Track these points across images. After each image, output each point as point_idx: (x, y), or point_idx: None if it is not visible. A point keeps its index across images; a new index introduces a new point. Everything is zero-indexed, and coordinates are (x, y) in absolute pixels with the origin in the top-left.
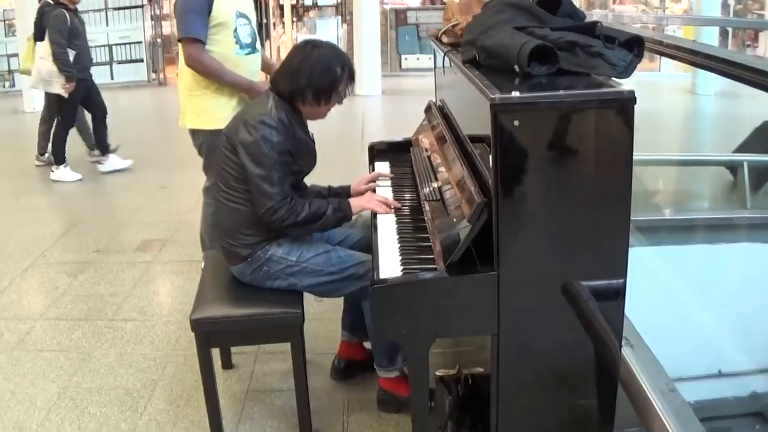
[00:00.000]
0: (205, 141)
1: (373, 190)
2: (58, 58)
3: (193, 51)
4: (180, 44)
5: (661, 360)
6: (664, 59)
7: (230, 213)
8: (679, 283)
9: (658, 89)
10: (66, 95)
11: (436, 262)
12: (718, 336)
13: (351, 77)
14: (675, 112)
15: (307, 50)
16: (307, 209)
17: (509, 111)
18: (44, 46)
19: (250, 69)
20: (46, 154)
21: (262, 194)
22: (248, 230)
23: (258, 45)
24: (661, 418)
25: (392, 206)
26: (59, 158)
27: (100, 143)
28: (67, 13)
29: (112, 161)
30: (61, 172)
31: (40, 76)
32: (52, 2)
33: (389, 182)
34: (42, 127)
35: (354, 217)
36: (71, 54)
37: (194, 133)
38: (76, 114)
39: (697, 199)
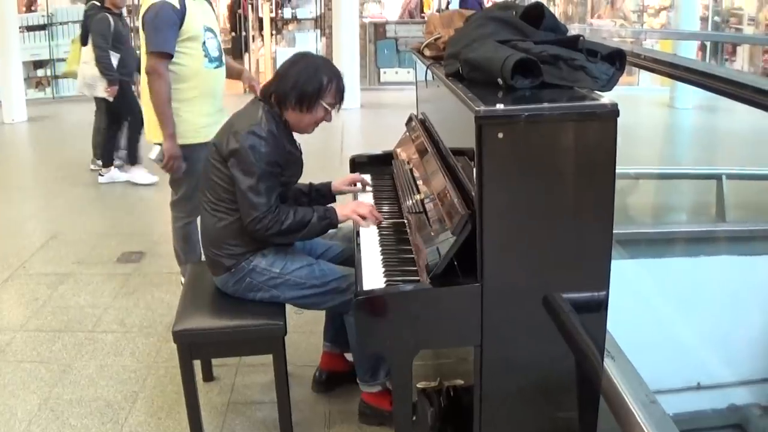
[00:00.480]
0: None
1: (355, 196)
2: (101, 62)
3: (158, 65)
4: (147, 55)
5: (641, 372)
6: (643, 73)
7: (216, 223)
8: (658, 296)
9: (636, 103)
10: (110, 99)
11: (420, 273)
12: (698, 349)
13: (339, 93)
14: (654, 125)
15: (299, 58)
16: (291, 217)
17: (493, 124)
18: (88, 51)
19: (218, 81)
20: (118, 161)
21: (249, 204)
22: (233, 240)
23: (224, 58)
24: (642, 429)
25: (377, 219)
26: (106, 160)
27: (129, 151)
28: (110, 17)
29: (113, 174)
30: (111, 174)
31: (84, 80)
32: (97, 5)
33: (371, 195)
34: (95, 139)
35: (335, 230)
36: (115, 58)
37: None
38: (122, 117)
39: (676, 212)
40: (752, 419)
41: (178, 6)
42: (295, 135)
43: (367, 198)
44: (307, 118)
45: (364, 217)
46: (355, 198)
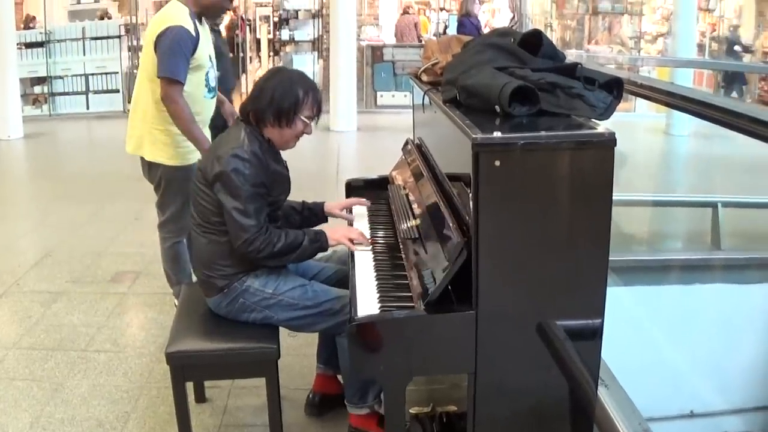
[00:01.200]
0: (164, 176)
1: (350, 223)
2: None
3: (173, 92)
4: (158, 80)
5: (634, 399)
6: (639, 99)
7: (207, 245)
8: (652, 323)
9: (633, 129)
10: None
11: (414, 300)
12: (691, 376)
13: (317, 105)
14: (650, 152)
15: (272, 73)
16: (283, 239)
17: (491, 151)
18: None
19: (211, 110)
20: None
21: (238, 227)
22: (225, 261)
23: (216, 89)
24: None
25: (368, 242)
26: None
27: None
28: (210, 35)
29: None
30: None
31: None
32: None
33: (366, 219)
34: None
35: (330, 251)
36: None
37: (151, 166)
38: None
39: (671, 239)
40: None
41: (193, 33)
42: (287, 157)
43: (362, 224)
44: (287, 133)
45: (353, 241)
46: (351, 223)
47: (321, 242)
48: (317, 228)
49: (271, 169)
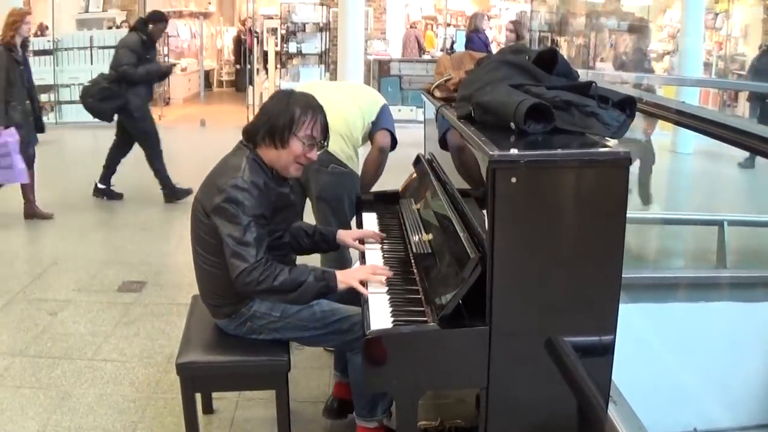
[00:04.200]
0: None
1: (363, 258)
2: None
3: None
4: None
5: (639, 416)
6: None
7: (211, 276)
8: (658, 341)
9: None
10: None
11: (427, 314)
12: (696, 394)
13: (321, 128)
14: (656, 170)
15: (275, 93)
16: (286, 274)
17: (507, 168)
18: None
19: None
20: None
21: (236, 256)
22: (230, 292)
23: None
24: None
25: (387, 276)
26: None
27: None
28: None
29: None
30: None
31: None
32: None
33: (379, 249)
34: None
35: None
36: None
37: None
38: None
39: (677, 257)
40: None
41: None
42: None
43: (375, 255)
44: (284, 155)
45: (365, 284)
46: (362, 257)
47: (328, 281)
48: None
49: (274, 196)
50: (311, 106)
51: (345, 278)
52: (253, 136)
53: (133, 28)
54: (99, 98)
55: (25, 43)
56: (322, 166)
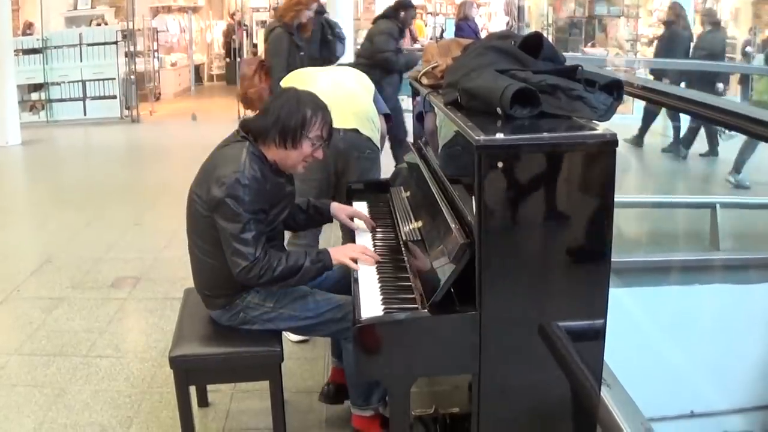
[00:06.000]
0: None
1: (353, 234)
2: None
3: None
4: None
5: (634, 400)
6: (637, 101)
7: (207, 266)
8: (652, 324)
9: (631, 132)
10: None
11: (418, 301)
12: (691, 377)
13: (326, 127)
14: (647, 153)
15: (281, 93)
16: (284, 262)
17: (493, 153)
18: None
19: None
20: None
21: (236, 253)
22: (226, 282)
23: None
24: None
25: (373, 260)
26: None
27: None
28: None
29: None
30: None
31: None
32: None
33: (370, 235)
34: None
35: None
36: None
37: None
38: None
39: (670, 240)
40: None
41: None
42: None
43: (366, 241)
44: (294, 155)
45: (356, 261)
46: (353, 238)
47: (324, 262)
48: (320, 248)
49: (271, 186)
50: (320, 107)
51: (337, 255)
52: (260, 134)
53: (383, 16)
54: None
55: (302, 28)
56: (361, 153)
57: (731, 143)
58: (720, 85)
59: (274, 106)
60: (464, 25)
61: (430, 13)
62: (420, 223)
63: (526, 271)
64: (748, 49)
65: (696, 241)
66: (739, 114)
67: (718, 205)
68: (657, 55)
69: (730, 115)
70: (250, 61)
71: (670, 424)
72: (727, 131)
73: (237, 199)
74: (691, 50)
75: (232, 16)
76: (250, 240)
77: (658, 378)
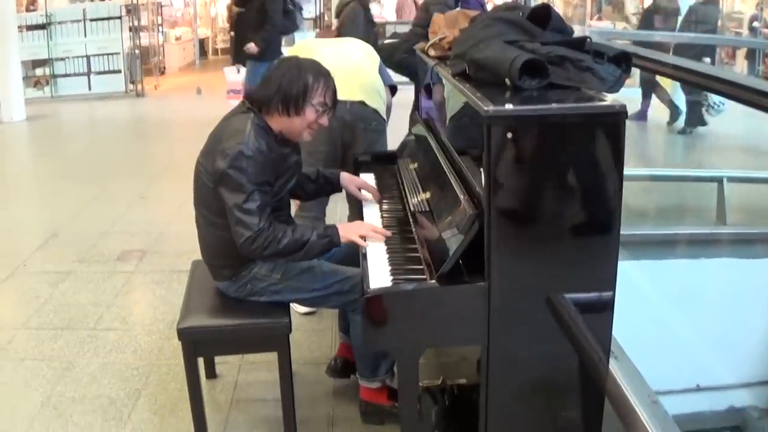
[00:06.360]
0: None
1: (361, 207)
2: None
3: None
4: None
5: (641, 373)
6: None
7: (214, 237)
8: (659, 298)
9: (637, 104)
10: None
11: (426, 272)
12: (698, 350)
13: (330, 93)
14: (653, 127)
15: (282, 61)
16: (289, 235)
17: (502, 123)
18: None
19: None
20: None
21: (240, 223)
22: (231, 253)
23: None
24: (646, 428)
25: (382, 236)
26: None
27: None
28: None
29: None
30: None
31: None
32: None
33: (377, 207)
34: None
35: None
36: None
37: None
38: None
39: (676, 214)
40: (751, 421)
41: None
42: None
43: (374, 214)
44: (298, 122)
45: (365, 238)
46: (361, 210)
47: (331, 237)
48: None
49: (276, 157)
50: (322, 73)
51: (345, 232)
52: (263, 104)
53: None
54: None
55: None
56: (367, 125)
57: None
58: (707, 60)
59: (276, 75)
60: None
61: None
62: (428, 195)
63: (535, 242)
64: (756, 24)
65: (703, 215)
66: (747, 87)
67: (725, 179)
68: (639, 27)
69: (737, 87)
70: (325, 33)
71: (677, 397)
72: (716, 107)
73: (240, 170)
74: (680, 23)
75: None
76: (254, 210)
77: (664, 351)
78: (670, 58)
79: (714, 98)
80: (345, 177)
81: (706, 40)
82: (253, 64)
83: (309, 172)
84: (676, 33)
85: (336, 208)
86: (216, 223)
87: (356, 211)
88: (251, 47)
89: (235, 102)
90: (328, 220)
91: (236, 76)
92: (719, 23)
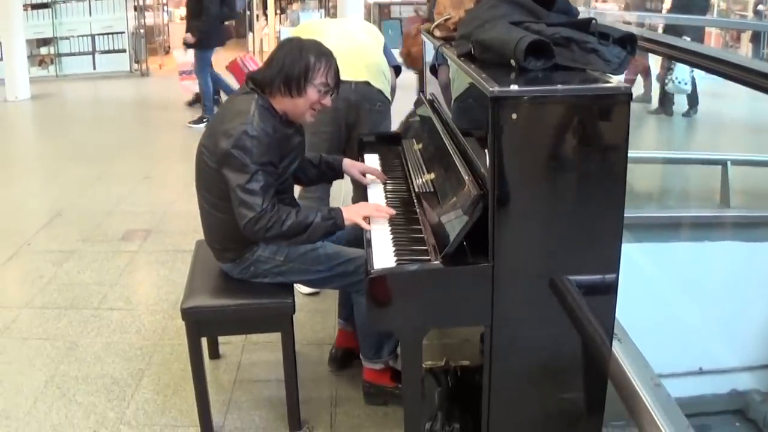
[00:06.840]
0: None
1: (365, 190)
2: None
3: None
4: None
5: (644, 356)
6: (650, 57)
7: (216, 220)
8: (662, 280)
9: (641, 87)
10: None
11: (430, 253)
12: (701, 333)
13: (333, 74)
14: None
15: (284, 42)
16: (293, 217)
17: (508, 104)
18: None
19: None
20: None
21: (243, 204)
22: (234, 236)
23: None
24: (649, 411)
25: (388, 215)
26: None
27: None
28: None
29: None
30: None
31: None
32: None
33: (381, 187)
34: None
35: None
36: None
37: None
38: None
39: (680, 196)
40: (753, 404)
41: None
42: None
43: (378, 195)
44: (300, 102)
45: (370, 221)
46: (365, 191)
47: (335, 219)
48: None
49: (280, 138)
50: (324, 53)
51: (350, 215)
52: (265, 85)
53: None
54: None
55: None
56: (372, 106)
57: None
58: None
59: (278, 56)
60: None
61: None
62: (432, 175)
63: (539, 224)
64: (760, 7)
65: (706, 197)
66: (750, 69)
67: (729, 162)
68: (627, 8)
69: (742, 70)
70: (413, 20)
71: (679, 380)
72: (678, 82)
73: (244, 150)
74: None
75: None
76: (258, 190)
77: (667, 334)
78: (674, 40)
79: (679, 75)
80: (347, 163)
81: (713, 23)
82: (198, 51)
83: (311, 157)
84: (682, 16)
85: (341, 189)
86: (218, 206)
87: (361, 193)
88: (188, 37)
89: (189, 83)
90: (333, 201)
91: (184, 57)
92: (724, 6)
